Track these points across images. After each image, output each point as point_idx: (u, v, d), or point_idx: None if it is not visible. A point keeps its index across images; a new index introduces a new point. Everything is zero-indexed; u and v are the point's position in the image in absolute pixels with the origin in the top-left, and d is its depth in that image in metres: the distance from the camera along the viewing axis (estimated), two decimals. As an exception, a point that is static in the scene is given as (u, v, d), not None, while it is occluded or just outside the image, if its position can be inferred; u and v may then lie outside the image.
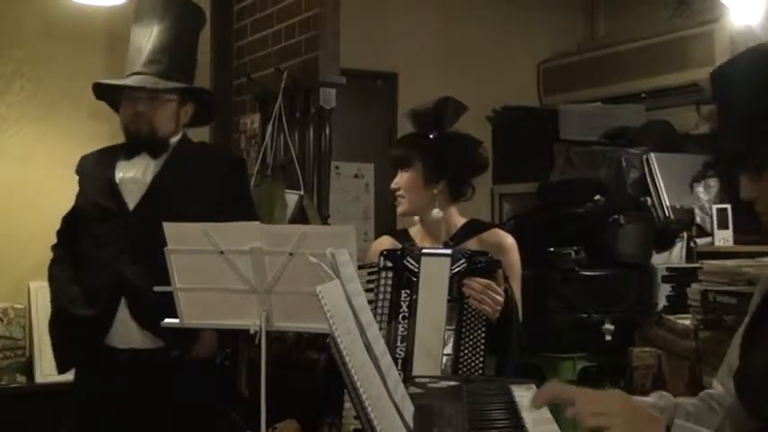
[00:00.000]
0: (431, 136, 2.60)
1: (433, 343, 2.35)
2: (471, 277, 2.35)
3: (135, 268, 2.70)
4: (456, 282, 2.37)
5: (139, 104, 2.79)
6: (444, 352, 2.34)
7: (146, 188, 2.79)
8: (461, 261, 2.39)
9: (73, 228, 2.92)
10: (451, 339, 2.35)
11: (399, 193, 2.62)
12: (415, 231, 2.67)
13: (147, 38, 2.86)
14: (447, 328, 2.36)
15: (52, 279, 2.89)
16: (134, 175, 2.81)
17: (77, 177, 2.98)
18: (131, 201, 2.79)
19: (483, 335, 2.36)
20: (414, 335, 2.37)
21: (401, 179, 2.62)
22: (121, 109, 2.87)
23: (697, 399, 1.66)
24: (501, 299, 2.35)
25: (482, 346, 2.35)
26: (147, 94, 2.79)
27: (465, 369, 2.33)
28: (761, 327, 1.60)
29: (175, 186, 2.78)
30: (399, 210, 2.66)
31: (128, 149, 2.86)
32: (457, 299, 2.37)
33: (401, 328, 2.37)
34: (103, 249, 2.77)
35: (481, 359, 2.34)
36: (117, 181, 2.82)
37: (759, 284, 1.69)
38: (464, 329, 2.35)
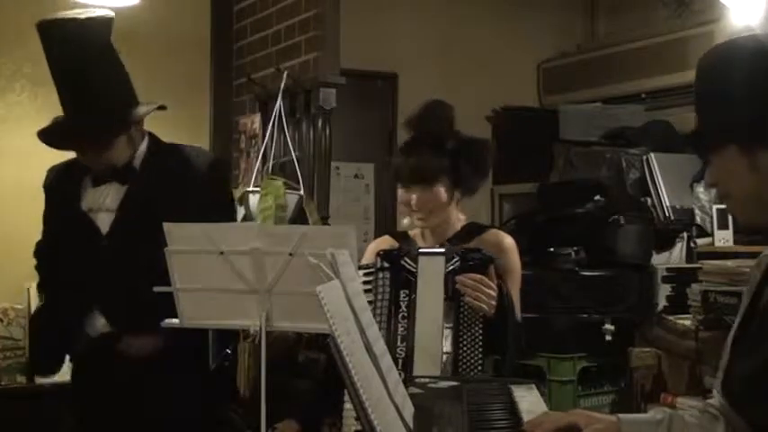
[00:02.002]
0: (448, 147, 2.52)
1: (433, 342, 2.35)
2: (464, 273, 2.36)
3: (113, 296, 2.68)
4: (451, 280, 2.38)
5: (88, 153, 2.69)
6: (443, 350, 2.34)
7: (114, 215, 2.72)
8: (455, 259, 2.39)
9: (50, 258, 2.86)
10: (450, 337, 2.35)
11: (420, 210, 2.51)
12: (415, 232, 2.67)
13: (64, 75, 2.63)
14: (445, 326, 2.37)
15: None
16: (104, 203, 2.74)
17: (44, 193, 2.88)
18: (104, 228, 2.72)
19: (480, 331, 2.36)
20: (413, 334, 2.37)
21: (425, 197, 2.48)
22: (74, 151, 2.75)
23: (696, 410, 1.67)
24: (494, 293, 2.35)
25: (480, 343, 2.35)
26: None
27: (464, 366, 2.33)
28: (747, 328, 1.61)
29: (145, 210, 2.65)
30: (422, 225, 2.55)
31: (94, 176, 2.75)
32: (453, 297, 2.37)
33: (401, 328, 2.38)
34: (78, 276, 2.75)
35: (480, 356, 2.34)
36: (85, 210, 2.74)
37: (748, 285, 1.70)
38: (461, 327, 2.36)
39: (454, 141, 2.54)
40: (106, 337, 2.69)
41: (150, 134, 2.83)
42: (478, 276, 2.35)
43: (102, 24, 2.65)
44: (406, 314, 2.39)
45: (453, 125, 2.57)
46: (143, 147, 2.78)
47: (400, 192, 2.55)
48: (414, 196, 2.50)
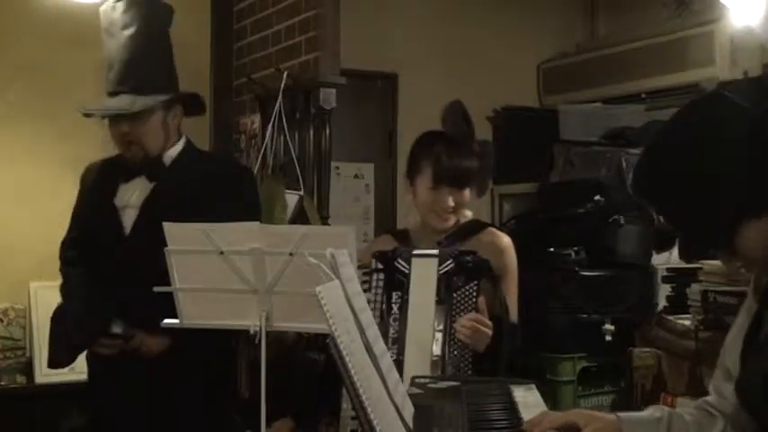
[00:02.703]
0: (476, 149, 2.56)
1: (424, 344, 2.35)
2: (461, 318, 2.35)
3: (131, 294, 2.68)
4: (444, 282, 2.37)
5: (122, 125, 2.73)
6: (433, 353, 2.34)
7: (137, 214, 2.75)
8: (449, 261, 2.39)
9: (77, 249, 2.87)
10: (440, 340, 2.35)
11: (452, 209, 2.56)
12: (416, 231, 2.66)
13: (117, 50, 2.76)
14: (435, 328, 2.36)
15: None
16: (130, 200, 2.77)
17: (79, 185, 2.93)
18: (128, 227, 2.75)
19: None
20: (405, 336, 2.37)
21: (460, 197, 2.54)
22: (109, 129, 2.80)
23: (694, 408, 1.67)
24: (489, 332, 2.35)
25: (470, 347, 2.35)
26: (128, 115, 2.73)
27: (454, 369, 2.32)
28: (760, 328, 1.60)
29: (169, 209, 2.61)
30: (444, 227, 2.58)
31: (127, 171, 2.81)
32: (444, 300, 2.37)
33: (392, 330, 2.37)
34: (100, 276, 2.75)
35: (469, 359, 2.34)
36: (117, 206, 2.77)
37: (751, 285, 1.68)
38: (452, 330, 2.35)
39: (478, 144, 2.58)
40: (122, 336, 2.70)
41: (188, 139, 2.87)
42: (474, 316, 2.34)
43: (160, 11, 2.85)
44: (397, 316, 2.38)
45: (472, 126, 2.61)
46: (178, 147, 2.82)
47: (427, 192, 2.54)
48: (450, 197, 2.52)
